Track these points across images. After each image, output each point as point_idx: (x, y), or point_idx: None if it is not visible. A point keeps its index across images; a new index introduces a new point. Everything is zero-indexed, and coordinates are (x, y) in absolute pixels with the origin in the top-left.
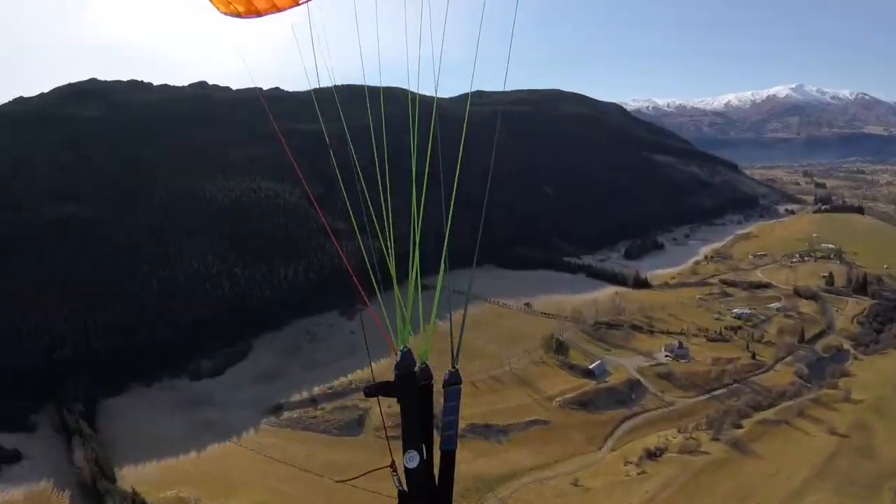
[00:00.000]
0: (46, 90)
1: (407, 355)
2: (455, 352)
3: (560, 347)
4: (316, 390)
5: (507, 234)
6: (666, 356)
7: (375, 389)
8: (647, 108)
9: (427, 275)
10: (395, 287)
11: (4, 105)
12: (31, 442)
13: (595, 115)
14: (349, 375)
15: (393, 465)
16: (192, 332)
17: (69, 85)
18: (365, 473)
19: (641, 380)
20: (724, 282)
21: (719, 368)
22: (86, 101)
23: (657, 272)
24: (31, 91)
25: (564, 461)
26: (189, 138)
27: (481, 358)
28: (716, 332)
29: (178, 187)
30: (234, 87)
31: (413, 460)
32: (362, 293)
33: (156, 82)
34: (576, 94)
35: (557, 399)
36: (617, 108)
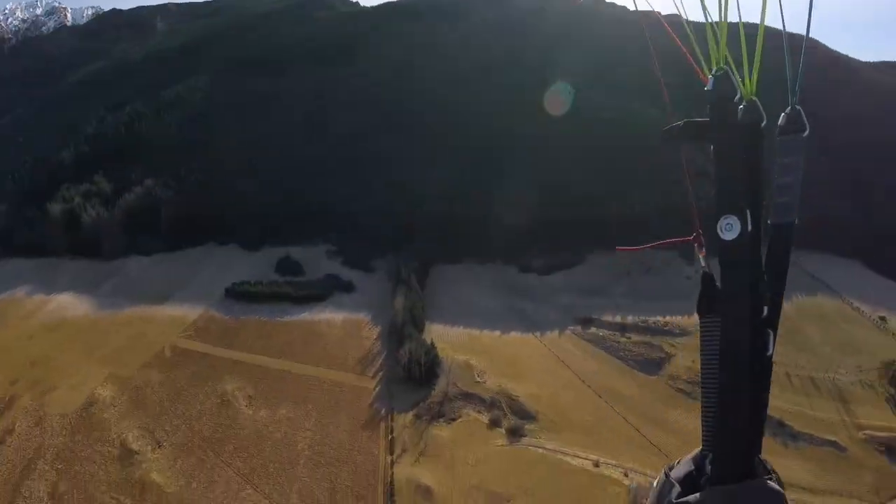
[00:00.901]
0: None
1: (723, 80)
2: (794, 83)
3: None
4: (630, 319)
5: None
6: None
7: (680, 130)
8: None
9: None
10: None
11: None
12: (365, 280)
13: None
14: (667, 317)
15: (698, 238)
16: (536, 230)
17: None
18: (656, 245)
19: None
20: None
21: None
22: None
23: None
24: None
25: (841, 499)
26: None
27: (810, 353)
28: None
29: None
30: None
31: (731, 229)
32: None
33: None
34: None
35: (866, 430)
36: None
